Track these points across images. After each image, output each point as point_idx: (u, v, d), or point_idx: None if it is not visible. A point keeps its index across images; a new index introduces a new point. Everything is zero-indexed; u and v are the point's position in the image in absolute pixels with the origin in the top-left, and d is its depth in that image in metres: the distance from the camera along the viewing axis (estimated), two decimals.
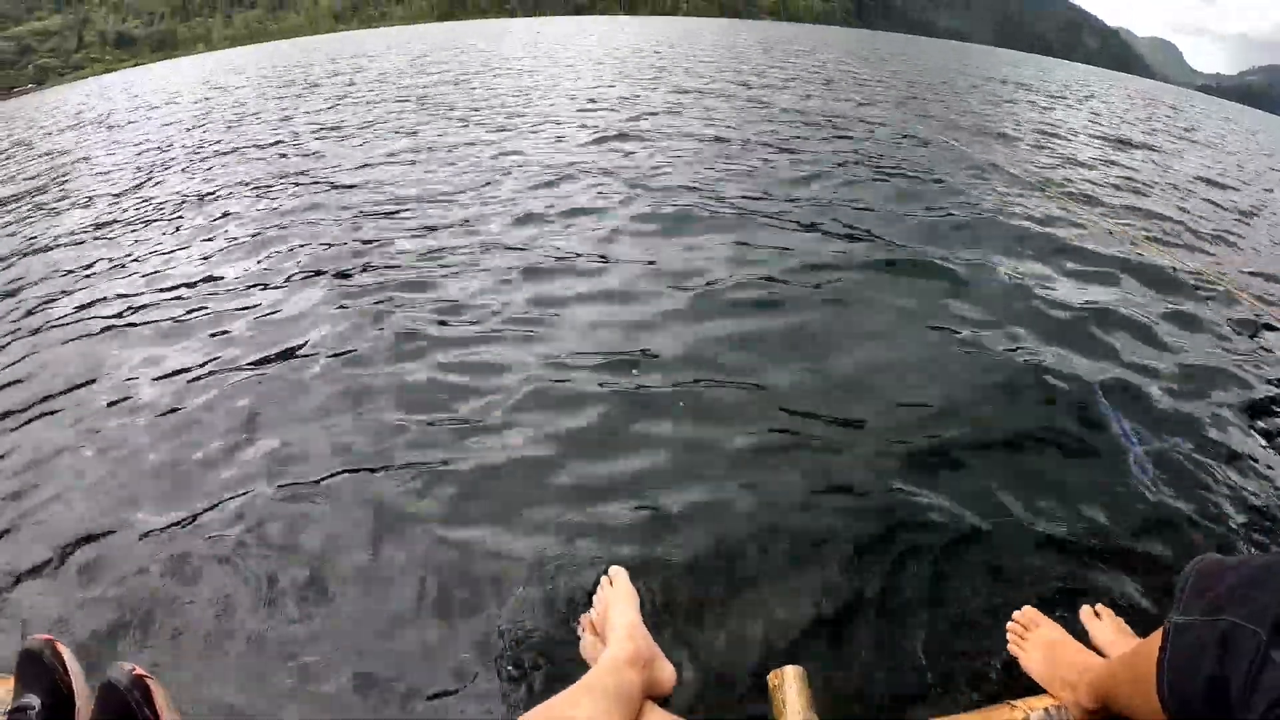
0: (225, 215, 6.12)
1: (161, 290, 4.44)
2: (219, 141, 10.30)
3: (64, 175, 9.96)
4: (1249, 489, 2.57)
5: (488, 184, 6.32)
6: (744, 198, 5.79)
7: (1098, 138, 11.60)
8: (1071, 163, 8.70)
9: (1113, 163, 9.17)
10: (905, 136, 9.10)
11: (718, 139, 8.22)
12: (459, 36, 43.75)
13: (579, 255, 4.54)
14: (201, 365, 3.48)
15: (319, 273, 4.46)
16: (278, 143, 9.62)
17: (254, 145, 9.63)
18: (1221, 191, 8.56)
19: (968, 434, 2.71)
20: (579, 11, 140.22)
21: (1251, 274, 5.26)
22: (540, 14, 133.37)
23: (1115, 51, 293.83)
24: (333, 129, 10.35)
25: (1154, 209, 6.72)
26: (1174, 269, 4.88)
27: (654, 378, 3.06)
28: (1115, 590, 2.02)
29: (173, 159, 9.60)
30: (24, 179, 10.39)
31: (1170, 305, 4.25)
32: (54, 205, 7.79)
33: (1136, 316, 3.95)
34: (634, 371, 3.15)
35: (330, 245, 5.08)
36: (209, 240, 5.45)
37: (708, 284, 4.04)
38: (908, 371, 3.18)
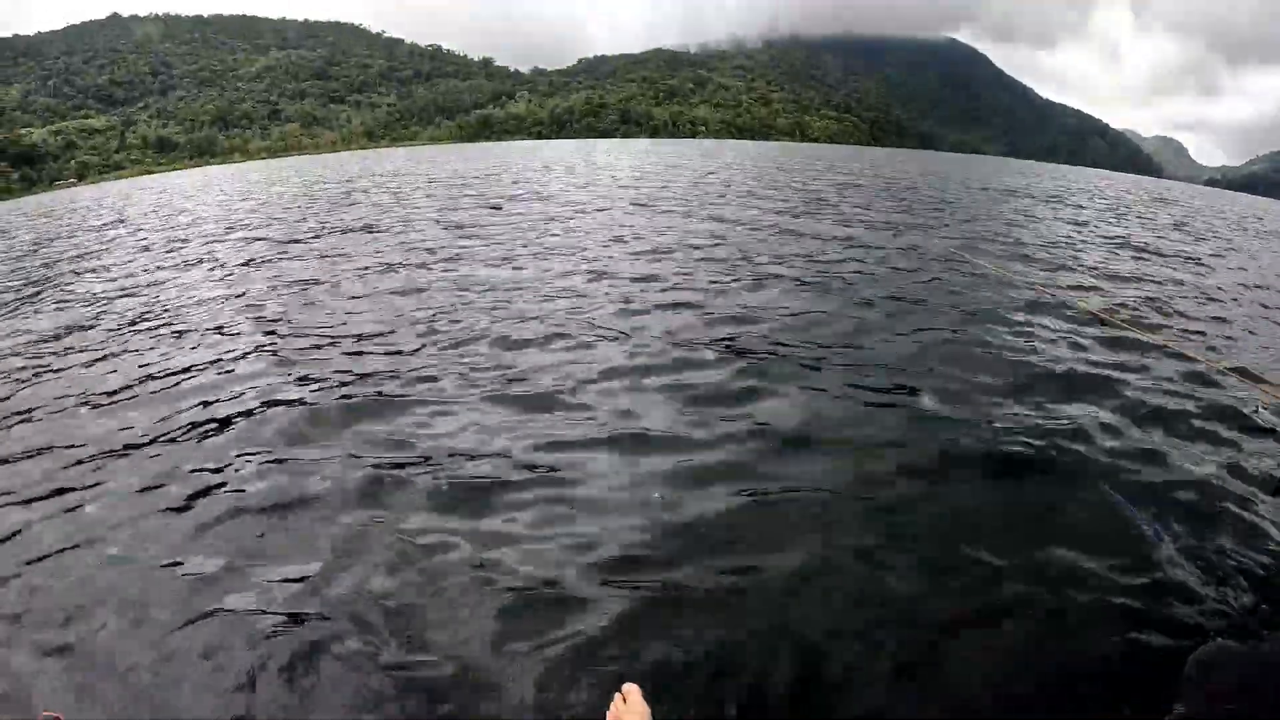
0: (267, 319, 6.37)
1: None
2: (253, 239, 10.77)
3: (97, 264, 10.29)
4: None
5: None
6: (792, 343, 5.74)
7: (1127, 247, 11.83)
8: (1115, 279, 8.88)
9: (1145, 278, 9.31)
10: (946, 264, 9.05)
11: (751, 274, 8.25)
12: (493, 154, 45.57)
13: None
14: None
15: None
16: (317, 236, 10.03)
17: (294, 241, 10.10)
18: (1257, 293, 8.69)
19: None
20: (603, 135, 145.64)
21: None
22: (565, 137, 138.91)
23: (1124, 153, 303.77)
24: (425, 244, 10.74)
25: (1187, 312, 6.75)
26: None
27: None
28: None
29: (207, 252, 9.97)
30: (69, 258, 10.84)
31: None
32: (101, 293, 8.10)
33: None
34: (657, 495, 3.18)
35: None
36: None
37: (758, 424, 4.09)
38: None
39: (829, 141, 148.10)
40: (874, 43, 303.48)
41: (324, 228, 12.68)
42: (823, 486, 3.43)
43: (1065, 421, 4.19)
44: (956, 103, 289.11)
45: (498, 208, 14.81)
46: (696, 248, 9.70)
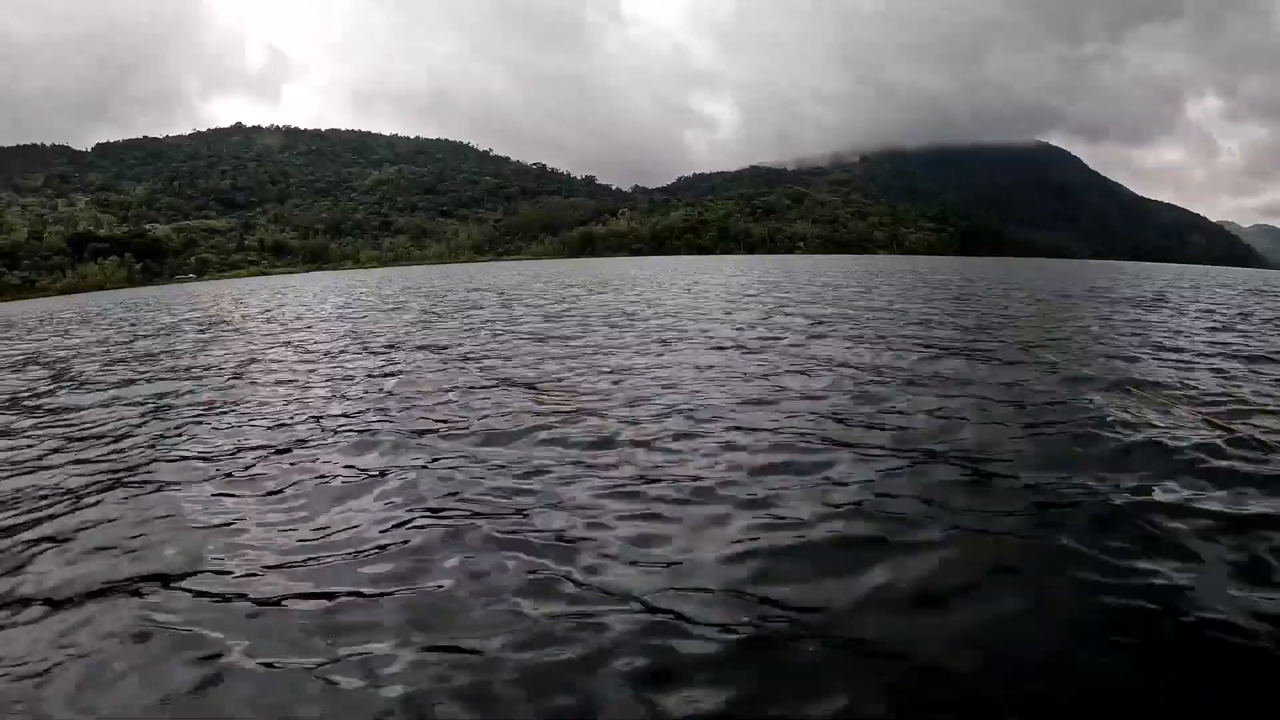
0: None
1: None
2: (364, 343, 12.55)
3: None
4: None
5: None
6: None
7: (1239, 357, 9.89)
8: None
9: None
10: (1070, 383, 7.63)
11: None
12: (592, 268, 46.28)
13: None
14: None
15: None
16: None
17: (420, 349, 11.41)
18: None
19: None
20: (702, 251, 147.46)
21: None
22: (665, 253, 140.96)
23: (1223, 246, 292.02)
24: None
25: None
26: None
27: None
28: None
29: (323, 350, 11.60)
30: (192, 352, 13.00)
31: None
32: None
33: None
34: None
35: None
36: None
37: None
38: None
39: (926, 253, 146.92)
40: (966, 151, 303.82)
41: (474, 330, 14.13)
42: None
43: None
44: (1049, 206, 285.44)
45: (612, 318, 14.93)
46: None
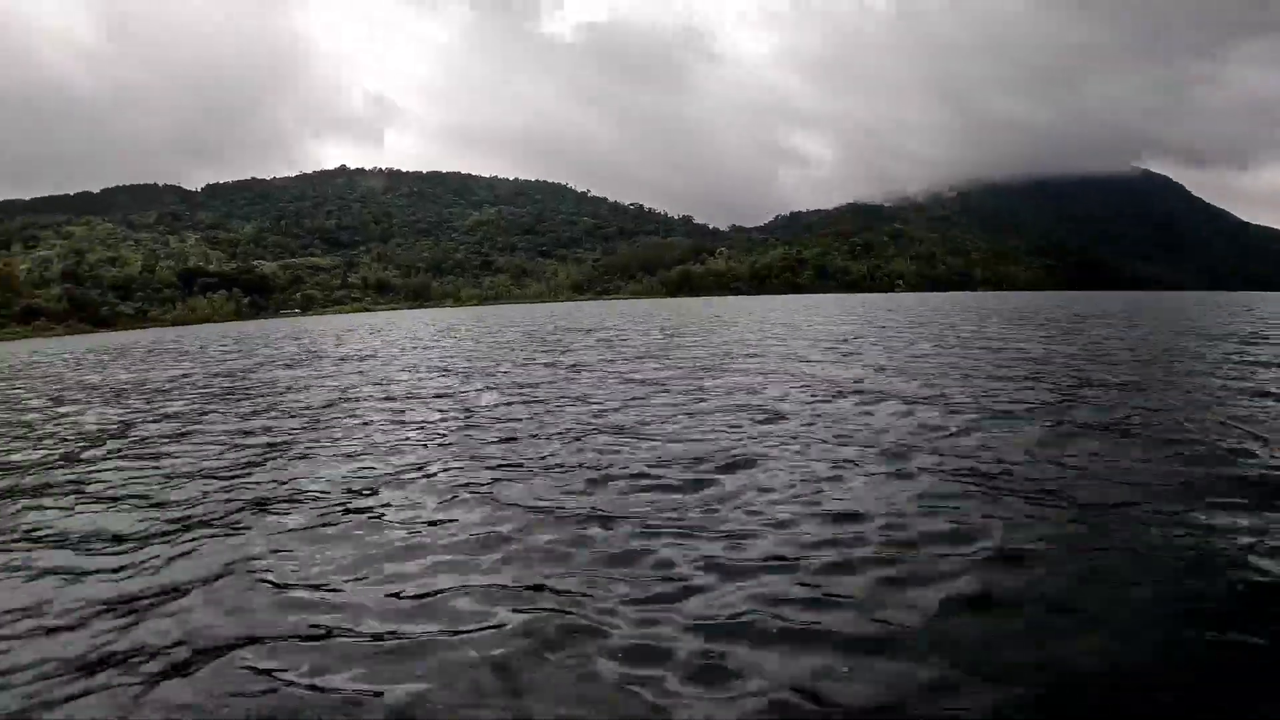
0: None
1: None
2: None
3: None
4: None
5: None
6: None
7: None
8: None
9: None
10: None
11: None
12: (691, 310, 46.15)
13: None
14: None
15: None
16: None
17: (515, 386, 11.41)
18: None
19: None
20: (799, 290, 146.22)
21: None
22: (764, 293, 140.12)
23: None
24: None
25: None
26: None
27: None
28: None
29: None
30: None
31: None
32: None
33: None
34: None
35: None
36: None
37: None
38: None
39: (1029, 288, 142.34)
40: (1064, 182, 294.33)
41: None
42: None
43: None
44: (1152, 236, 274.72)
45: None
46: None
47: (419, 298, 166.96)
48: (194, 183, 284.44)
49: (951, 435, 6.71)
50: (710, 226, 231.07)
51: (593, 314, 51.10)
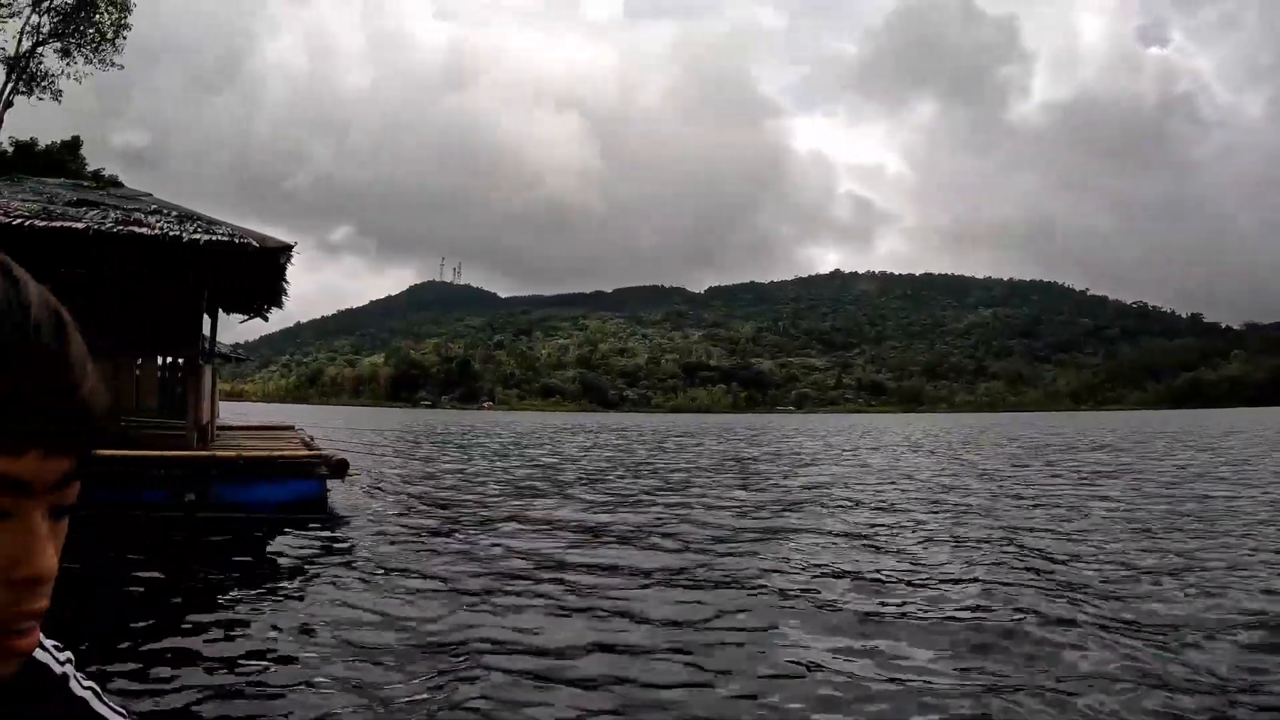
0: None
1: None
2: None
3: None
4: None
5: None
6: None
7: None
8: None
9: None
10: None
11: None
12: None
13: None
14: None
15: None
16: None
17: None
18: None
19: None
20: None
21: None
22: None
23: None
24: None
25: None
26: None
27: None
28: None
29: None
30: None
31: None
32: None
33: None
34: None
35: None
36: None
37: None
38: None
39: None
40: None
41: None
42: None
43: None
44: None
45: None
46: None
47: (911, 401, 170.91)
48: (698, 285, 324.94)
49: None
50: (1222, 325, 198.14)
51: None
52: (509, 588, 5.31)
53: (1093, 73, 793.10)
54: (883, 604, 4.90)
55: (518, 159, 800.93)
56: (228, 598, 5.02)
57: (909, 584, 5.52)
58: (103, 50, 23.40)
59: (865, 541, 7.25)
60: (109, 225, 8.43)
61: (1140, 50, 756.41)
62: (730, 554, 6.57)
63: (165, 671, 3.54)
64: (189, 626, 4.31)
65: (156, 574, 5.53)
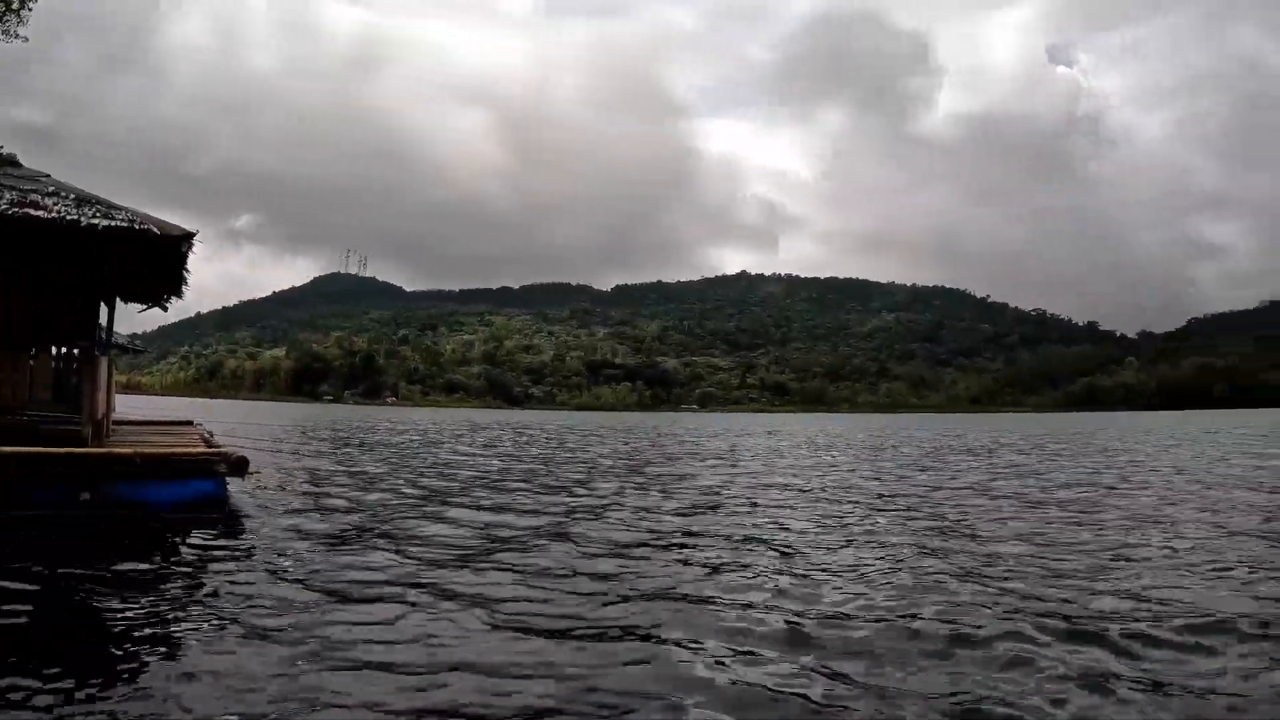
0: None
1: None
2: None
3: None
4: None
5: None
6: None
7: None
8: None
9: None
10: None
11: None
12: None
13: None
14: None
15: None
16: None
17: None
18: None
19: None
20: (1219, 404, 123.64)
21: None
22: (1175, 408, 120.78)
23: None
24: None
25: None
26: None
27: None
28: None
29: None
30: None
31: None
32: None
33: None
34: None
35: None
36: None
37: None
38: None
39: None
40: None
41: None
42: None
43: None
44: None
45: None
46: None
47: (814, 402, 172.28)
48: (605, 283, 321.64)
49: None
50: (1117, 334, 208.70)
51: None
52: (396, 590, 5.18)
53: (1002, 88, 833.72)
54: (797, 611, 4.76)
55: (428, 151, 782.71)
56: (118, 601, 4.74)
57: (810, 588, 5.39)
58: (6, 20, 18.56)
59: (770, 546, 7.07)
60: (3, 207, 8.00)
61: (1049, 69, 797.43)
62: (635, 557, 6.50)
63: (43, 678, 3.40)
64: (77, 628, 4.30)
65: (44, 573, 5.29)
